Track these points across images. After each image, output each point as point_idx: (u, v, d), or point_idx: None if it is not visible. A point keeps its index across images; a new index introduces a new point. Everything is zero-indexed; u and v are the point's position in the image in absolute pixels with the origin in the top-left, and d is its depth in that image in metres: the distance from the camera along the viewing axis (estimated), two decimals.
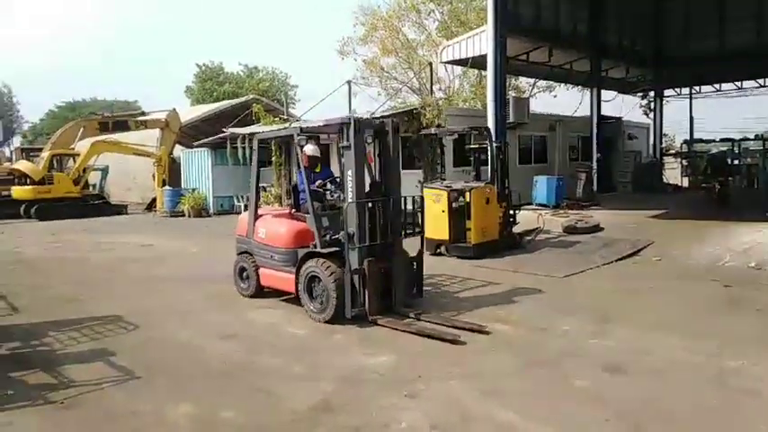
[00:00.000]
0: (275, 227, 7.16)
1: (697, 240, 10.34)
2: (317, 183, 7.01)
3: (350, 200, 6.18)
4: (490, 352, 5.21)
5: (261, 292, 7.36)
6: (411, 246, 6.74)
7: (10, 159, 27.04)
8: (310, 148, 7.29)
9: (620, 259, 9.41)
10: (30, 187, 21.04)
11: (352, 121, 6.18)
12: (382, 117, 12.55)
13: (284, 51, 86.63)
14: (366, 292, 6.06)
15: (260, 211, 7.61)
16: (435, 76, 21.41)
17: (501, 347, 5.33)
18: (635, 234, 11.37)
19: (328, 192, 6.99)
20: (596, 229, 12.03)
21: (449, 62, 17.58)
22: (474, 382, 4.51)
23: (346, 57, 27.22)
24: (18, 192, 21.46)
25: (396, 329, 5.84)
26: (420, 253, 6.82)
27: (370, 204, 6.36)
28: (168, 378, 4.83)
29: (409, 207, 7.23)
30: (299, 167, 7.24)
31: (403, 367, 4.89)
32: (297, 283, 6.54)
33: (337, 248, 6.28)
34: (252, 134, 18.38)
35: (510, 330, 5.83)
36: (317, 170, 7.33)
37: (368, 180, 6.71)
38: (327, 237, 6.43)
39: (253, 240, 7.38)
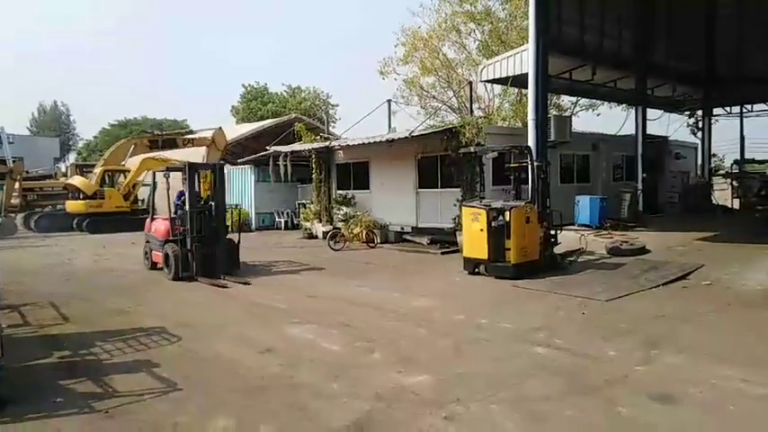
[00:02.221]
0: (158, 225, 11.56)
1: (750, 265, 9.87)
2: (182, 199, 11.03)
3: (187, 209, 10.56)
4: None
5: (154, 267, 11.55)
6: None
7: (65, 175, 28.37)
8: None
9: (668, 283, 9.04)
10: (82, 201, 22.00)
11: (187, 165, 10.83)
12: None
13: (326, 71, 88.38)
14: (194, 263, 10.41)
15: (156, 216, 12.01)
16: (475, 95, 21.39)
17: (544, 373, 5.19)
18: (683, 257, 10.95)
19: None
20: (642, 251, 11.65)
21: (489, 81, 17.52)
22: (516, 406, 4.40)
23: (387, 76, 27.59)
24: (71, 206, 22.47)
25: (202, 283, 10.10)
26: (238, 241, 11.26)
27: (200, 212, 10.67)
28: (208, 391, 4.89)
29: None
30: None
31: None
32: (162, 258, 10.90)
33: (181, 237, 10.59)
34: (293, 152, 18.79)
35: (552, 353, 5.68)
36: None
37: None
38: (179, 231, 10.71)
39: (150, 234, 11.85)
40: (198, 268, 10.40)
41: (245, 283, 9.92)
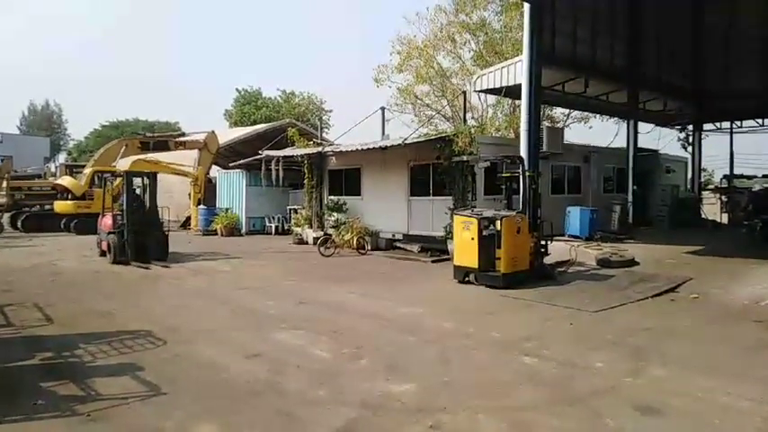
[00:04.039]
0: (106, 220, 13.88)
1: (738, 279, 9.94)
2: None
3: (124, 208, 13.17)
4: None
5: (103, 254, 13.61)
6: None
7: (54, 174, 28.11)
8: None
9: (656, 295, 9.09)
10: (71, 202, 21.79)
11: (126, 174, 13.97)
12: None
13: (321, 77, 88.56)
14: (129, 250, 12.72)
15: (107, 213, 14.12)
16: (468, 105, 21.46)
17: (532, 383, 5.18)
18: (672, 270, 11.01)
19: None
20: (631, 263, 11.71)
21: (483, 91, 17.59)
22: (502, 415, 4.38)
23: (381, 84, 27.67)
24: (60, 206, 22.24)
25: (132, 265, 12.40)
26: (168, 234, 13.90)
27: (136, 210, 13.34)
28: (193, 395, 4.83)
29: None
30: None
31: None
32: (106, 246, 13.36)
33: (120, 230, 13.00)
34: (285, 156, 18.75)
35: (540, 364, 5.67)
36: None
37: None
38: (118, 225, 13.17)
39: (101, 227, 14.22)
40: (132, 255, 12.66)
41: (165, 267, 12.34)
